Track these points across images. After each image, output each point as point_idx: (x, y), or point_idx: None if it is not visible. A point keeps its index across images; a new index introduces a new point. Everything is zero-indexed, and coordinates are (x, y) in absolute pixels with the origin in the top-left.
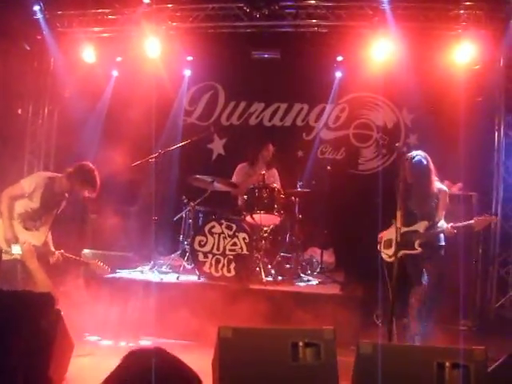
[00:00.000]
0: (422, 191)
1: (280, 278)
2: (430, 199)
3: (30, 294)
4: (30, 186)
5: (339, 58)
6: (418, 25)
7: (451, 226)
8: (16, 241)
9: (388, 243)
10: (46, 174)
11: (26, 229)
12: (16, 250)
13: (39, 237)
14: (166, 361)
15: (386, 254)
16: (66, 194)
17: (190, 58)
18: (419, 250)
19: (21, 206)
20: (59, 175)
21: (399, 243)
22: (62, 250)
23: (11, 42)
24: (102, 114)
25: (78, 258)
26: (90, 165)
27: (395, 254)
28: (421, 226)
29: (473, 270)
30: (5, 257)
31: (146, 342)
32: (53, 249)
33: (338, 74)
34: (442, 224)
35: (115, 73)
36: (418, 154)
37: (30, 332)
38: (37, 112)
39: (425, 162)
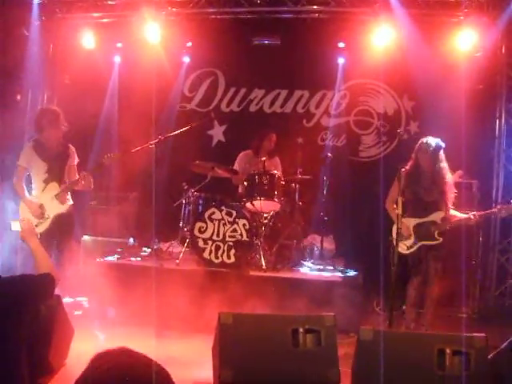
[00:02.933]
0: (439, 179)
1: (280, 264)
2: (446, 187)
3: (29, 279)
4: (24, 160)
5: (340, 45)
6: (419, 11)
7: (476, 215)
8: (40, 215)
9: (402, 235)
10: (28, 143)
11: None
12: (15, 227)
13: (54, 186)
14: (133, 360)
15: (404, 244)
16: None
17: (189, 44)
18: (440, 239)
19: (37, 182)
20: (37, 136)
21: (417, 235)
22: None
23: (10, 28)
24: (105, 101)
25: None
26: (43, 107)
27: (396, 243)
28: (438, 217)
29: (473, 257)
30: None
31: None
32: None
33: (339, 61)
34: (455, 212)
35: (117, 59)
36: (436, 140)
37: (30, 318)
38: (36, 98)
39: (443, 147)
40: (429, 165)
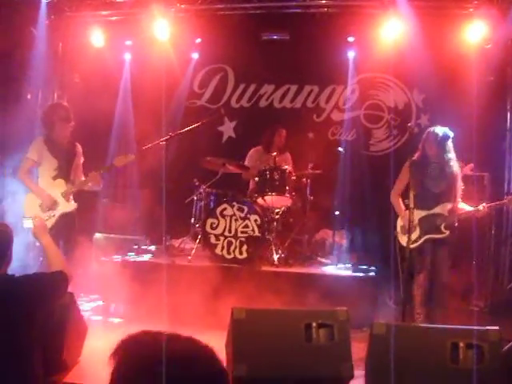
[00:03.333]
0: (446, 169)
1: (292, 259)
2: (454, 178)
3: (42, 277)
4: (35, 153)
5: (350, 39)
6: (428, 4)
7: (485, 207)
8: (55, 204)
9: (406, 228)
10: (38, 137)
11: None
12: (27, 224)
13: (61, 182)
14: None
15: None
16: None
17: (199, 41)
18: (447, 233)
19: (44, 176)
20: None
21: (422, 228)
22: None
23: (19, 27)
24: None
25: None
26: (52, 103)
27: (409, 237)
28: (444, 209)
29: (485, 250)
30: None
31: (158, 325)
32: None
33: (349, 55)
34: (463, 205)
35: (127, 57)
36: (443, 129)
37: (44, 316)
38: (46, 97)
39: (451, 137)
40: (436, 155)
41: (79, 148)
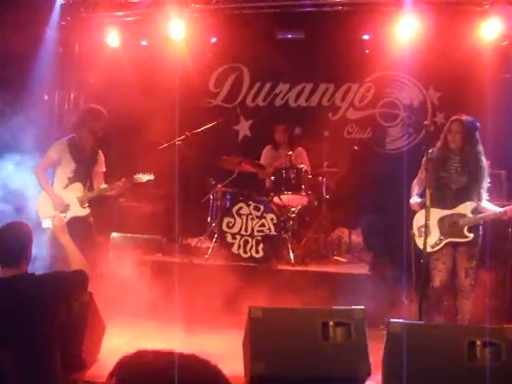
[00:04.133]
0: (472, 163)
1: (308, 258)
2: (480, 174)
3: (63, 275)
4: (56, 152)
5: (364, 37)
6: (443, 1)
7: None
8: (65, 207)
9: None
10: (64, 138)
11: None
12: (47, 223)
13: (78, 187)
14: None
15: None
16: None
17: (214, 40)
18: (471, 236)
19: (62, 177)
20: (74, 133)
21: (442, 230)
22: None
23: (35, 29)
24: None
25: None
26: (89, 105)
27: (425, 237)
28: (467, 209)
29: (502, 247)
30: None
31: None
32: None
33: (364, 53)
34: (487, 204)
35: (141, 56)
36: (469, 118)
37: (64, 314)
38: (63, 98)
39: (478, 129)
40: (460, 147)
41: (101, 156)
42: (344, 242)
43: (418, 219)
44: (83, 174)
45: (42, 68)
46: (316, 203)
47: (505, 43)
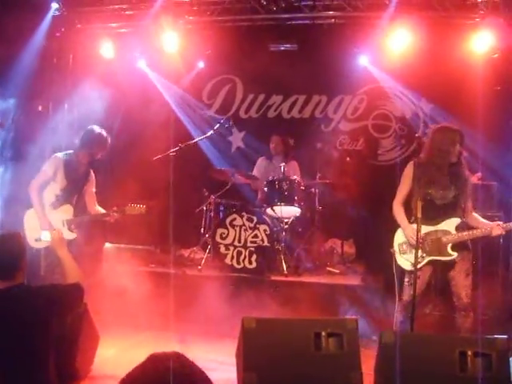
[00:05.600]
0: (457, 175)
1: (301, 269)
2: (463, 185)
3: (59, 288)
4: (51, 168)
5: (357, 49)
6: (435, 14)
7: (500, 226)
8: (50, 228)
9: (406, 246)
10: (61, 153)
11: (57, 209)
12: (45, 236)
13: (69, 209)
14: (183, 366)
15: (406, 260)
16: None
17: (208, 52)
18: (455, 255)
19: (50, 193)
20: (73, 151)
21: (425, 247)
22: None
23: (29, 40)
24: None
25: (109, 211)
26: (94, 127)
27: (416, 251)
28: (451, 225)
29: (493, 258)
30: (36, 245)
31: (169, 334)
32: (103, 210)
33: (357, 65)
34: (476, 218)
35: (135, 67)
36: (454, 126)
37: (59, 326)
38: (57, 108)
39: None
40: (446, 158)
41: (92, 176)
42: (336, 252)
43: (399, 236)
44: (72, 194)
45: (36, 79)
46: (309, 214)
47: (495, 56)
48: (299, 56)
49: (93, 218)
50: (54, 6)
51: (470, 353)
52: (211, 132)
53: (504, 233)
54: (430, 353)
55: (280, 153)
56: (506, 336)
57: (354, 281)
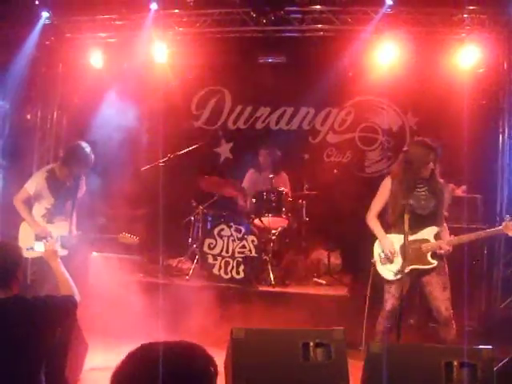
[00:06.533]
0: (435, 186)
1: (288, 279)
2: (440, 196)
3: (52, 300)
4: (32, 187)
5: (345, 62)
6: (422, 29)
7: (475, 235)
8: (46, 234)
9: (387, 257)
10: (43, 169)
11: (54, 223)
12: (39, 247)
13: (65, 226)
14: (175, 353)
15: (389, 270)
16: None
17: (196, 63)
18: (435, 263)
19: (40, 208)
20: (56, 164)
21: (406, 257)
22: (81, 232)
23: (19, 48)
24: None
25: (103, 235)
26: (80, 143)
27: (403, 264)
28: (430, 234)
29: (478, 270)
30: (27, 254)
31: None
32: (75, 231)
33: (344, 78)
34: (445, 231)
35: (124, 77)
36: (429, 139)
37: (50, 336)
38: (45, 117)
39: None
40: (417, 172)
41: (83, 180)
42: (323, 263)
43: (380, 246)
44: (60, 208)
45: (25, 87)
46: (296, 225)
47: (481, 71)
48: (287, 68)
49: (87, 238)
50: (45, 14)
51: (455, 363)
52: (200, 143)
53: (484, 235)
54: (417, 363)
55: (269, 166)
56: (490, 347)
57: (340, 292)
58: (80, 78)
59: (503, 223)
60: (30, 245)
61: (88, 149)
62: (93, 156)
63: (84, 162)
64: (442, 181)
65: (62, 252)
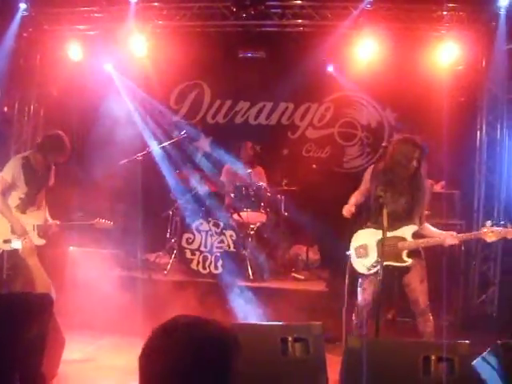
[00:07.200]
0: (417, 184)
1: (266, 274)
2: (421, 196)
3: (30, 298)
4: (9, 174)
5: (325, 58)
6: (401, 25)
7: (453, 236)
8: (24, 233)
9: (363, 250)
10: (19, 156)
11: (26, 213)
12: (16, 244)
13: (39, 215)
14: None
15: (362, 264)
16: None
17: (175, 57)
18: (409, 261)
19: (14, 198)
20: (31, 151)
21: (380, 252)
22: (58, 221)
23: None
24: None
25: (79, 222)
26: (59, 132)
27: (381, 260)
28: (408, 232)
29: (455, 266)
30: (3, 246)
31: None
32: (50, 220)
33: (324, 74)
34: (428, 227)
35: (103, 70)
36: (417, 137)
37: (26, 333)
38: (22, 110)
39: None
40: (401, 169)
41: (53, 171)
42: (301, 259)
43: (356, 239)
44: (36, 196)
45: (2, 79)
46: (274, 220)
47: (460, 68)
48: (267, 63)
49: (67, 227)
50: (22, 6)
51: (433, 357)
52: (178, 137)
53: (458, 243)
54: (395, 357)
55: (249, 159)
56: (467, 341)
57: (318, 287)
58: (58, 70)
59: (482, 229)
60: (7, 236)
61: (65, 138)
62: (69, 146)
63: (59, 150)
64: (430, 181)
65: (39, 241)
